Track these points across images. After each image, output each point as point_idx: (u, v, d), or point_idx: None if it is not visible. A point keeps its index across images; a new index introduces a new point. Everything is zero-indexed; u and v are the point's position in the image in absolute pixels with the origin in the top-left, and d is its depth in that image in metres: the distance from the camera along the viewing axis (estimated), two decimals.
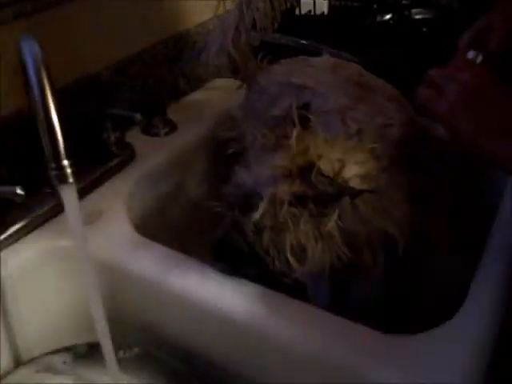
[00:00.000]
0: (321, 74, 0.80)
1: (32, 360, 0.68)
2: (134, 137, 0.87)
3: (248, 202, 0.60)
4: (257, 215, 0.59)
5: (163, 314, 0.68)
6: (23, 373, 0.66)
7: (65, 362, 0.69)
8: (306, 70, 0.81)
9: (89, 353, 0.69)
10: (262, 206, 0.59)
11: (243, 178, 0.62)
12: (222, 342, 0.65)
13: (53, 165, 0.63)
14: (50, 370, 0.68)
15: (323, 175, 0.58)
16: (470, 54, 0.71)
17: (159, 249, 0.69)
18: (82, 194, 0.75)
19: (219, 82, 1.06)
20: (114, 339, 0.69)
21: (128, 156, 0.82)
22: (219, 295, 0.62)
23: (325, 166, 0.58)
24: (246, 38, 0.85)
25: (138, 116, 0.76)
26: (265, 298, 0.61)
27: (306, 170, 0.59)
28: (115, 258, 0.68)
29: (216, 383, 0.67)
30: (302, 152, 0.60)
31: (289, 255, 0.60)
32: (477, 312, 0.58)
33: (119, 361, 0.67)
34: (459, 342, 0.55)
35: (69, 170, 0.63)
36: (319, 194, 0.58)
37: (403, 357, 0.54)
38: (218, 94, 1.01)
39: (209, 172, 0.90)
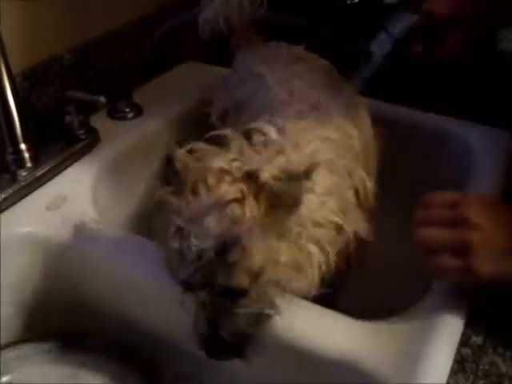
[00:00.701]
0: (281, 64, 0.77)
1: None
2: (99, 121, 0.85)
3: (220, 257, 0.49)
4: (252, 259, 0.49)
5: (129, 301, 0.67)
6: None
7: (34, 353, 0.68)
8: (274, 58, 0.80)
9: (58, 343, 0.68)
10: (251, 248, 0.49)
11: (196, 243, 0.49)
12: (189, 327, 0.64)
13: (10, 149, 0.62)
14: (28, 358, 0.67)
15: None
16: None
17: (124, 235, 0.68)
18: (46, 178, 0.74)
19: (187, 66, 1.04)
20: (80, 327, 0.69)
21: (93, 140, 0.81)
22: None
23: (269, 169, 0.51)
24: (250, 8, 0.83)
25: (101, 99, 0.74)
26: None
27: (252, 178, 0.50)
28: (80, 245, 0.67)
29: (183, 370, 0.66)
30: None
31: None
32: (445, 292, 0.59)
33: (86, 348, 0.67)
34: (429, 324, 0.55)
35: (26, 154, 0.62)
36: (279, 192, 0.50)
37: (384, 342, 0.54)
38: (186, 78, 1.00)
39: None
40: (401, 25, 0.77)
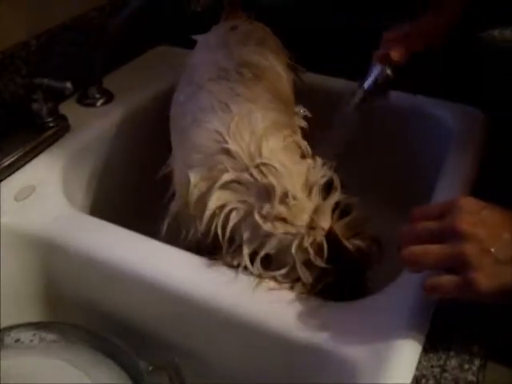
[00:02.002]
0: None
1: None
2: (69, 108, 0.83)
3: None
4: None
5: (102, 289, 0.66)
6: None
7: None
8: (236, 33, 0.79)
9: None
10: None
11: None
12: (162, 314, 0.63)
13: None
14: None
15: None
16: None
17: (96, 223, 0.67)
18: (14, 167, 0.73)
19: (159, 50, 1.02)
20: (53, 317, 0.68)
21: (62, 128, 0.79)
22: (159, 267, 0.61)
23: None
24: None
25: (68, 85, 0.72)
26: (211, 268, 0.60)
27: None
28: (50, 234, 0.66)
29: (157, 358, 0.66)
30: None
31: None
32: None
33: (59, 337, 0.65)
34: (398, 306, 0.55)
35: None
36: None
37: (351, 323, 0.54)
38: (158, 63, 0.98)
39: (149, 143, 0.88)
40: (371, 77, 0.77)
